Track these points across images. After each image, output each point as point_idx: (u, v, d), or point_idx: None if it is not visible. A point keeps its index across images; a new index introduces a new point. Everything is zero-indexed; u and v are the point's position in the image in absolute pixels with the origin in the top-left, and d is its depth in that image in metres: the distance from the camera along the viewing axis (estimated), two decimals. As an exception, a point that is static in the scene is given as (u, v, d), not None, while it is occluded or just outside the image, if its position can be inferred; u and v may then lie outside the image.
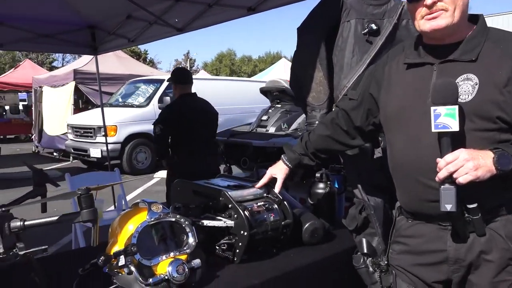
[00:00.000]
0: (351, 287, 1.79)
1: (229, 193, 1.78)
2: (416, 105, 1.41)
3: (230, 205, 1.74)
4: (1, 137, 16.05)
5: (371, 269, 1.61)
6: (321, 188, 2.14)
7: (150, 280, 1.40)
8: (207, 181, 2.00)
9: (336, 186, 2.29)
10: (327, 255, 1.86)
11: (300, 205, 2.06)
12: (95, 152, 8.47)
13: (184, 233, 1.57)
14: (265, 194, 1.93)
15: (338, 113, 1.73)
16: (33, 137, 13.17)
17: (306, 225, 1.92)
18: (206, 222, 1.74)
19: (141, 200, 1.58)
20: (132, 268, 1.38)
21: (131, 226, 1.47)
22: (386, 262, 1.63)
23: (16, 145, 15.09)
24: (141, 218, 1.49)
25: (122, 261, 1.39)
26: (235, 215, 1.73)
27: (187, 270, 1.46)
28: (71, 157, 10.69)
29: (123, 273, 1.41)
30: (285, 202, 1.88)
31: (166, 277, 1.42)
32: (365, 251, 1.62)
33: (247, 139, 4.74)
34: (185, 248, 1.53)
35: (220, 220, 1.76)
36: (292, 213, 1.86)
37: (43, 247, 1.26)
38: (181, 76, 3.91)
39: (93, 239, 1.35)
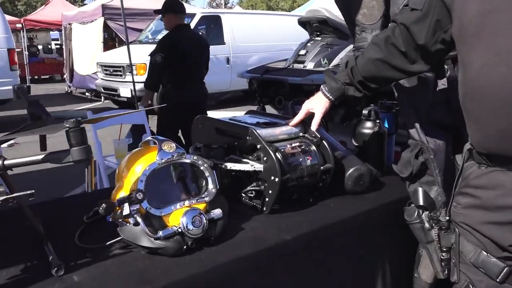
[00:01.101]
0: (402, 245, 1.54)
1: (257, 131, 1.52)
2: (505, 7, 1.06)
3: (259, 146, 1.49)
4: (36, 77, 16.34)
5: (427, 225, 1.34)
6: (368, 127, 1.84)
7: (160, 232, 1.19)
8: (233, 118, 1.75)
9: (386, 126, 1.98)
10: (373, 207, 1.60)
11: (343, 147, 1.79)
12: (125, 92, 8.38)
13: (203, 177, 1.34)
14: (301, 134, 1.66)
15: (395, 29, 1.39)
16: (65, 76, 13.28)
17: (350, 171, 1.66)
18: (230, 165, 1.51)
19: (151, 137, 1.35)
20: (139, 219, 1.18)
21: (139, 168, 1.26)
22: (447, 217, 1.35)
23: (50, 85, 15.34)
24: (150, 159, 1.27)
25: (126, 209, 1.18)
26: (265, 158, 1.48)
27: (205, 221, 1.24)
28: (102, 97, 10.72)
29: (130, 223, 1.21)
30: (324, 143, 1.61)
31: (180, 230, 1.21)
32: (421, 203, 1.34)
33: (282, 76, 4.40)
34: (203, 196, 1.31)
35: (247, 163, 1.52)
36: (333, 156, 1.59)
37: (29, 192, 1.07)
38: (176, 5, 3.98)
39: (87, 183, 1.14)
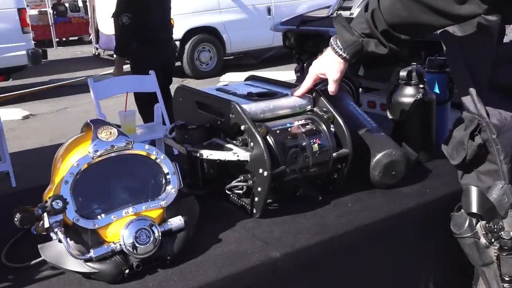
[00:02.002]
0: (454, 258, 1.26)
1: (242, 106, 1.27)
2: None
3: (243, 126, 1.24)
4: (64, 39, 16.70)
5: (483, 240, 1.05)
6: (408, 94, 1.53)
7: (91, 252, 0.99)
8: (221, 88, 1.50)
9: (436, 91, 1.65)
10: (411, 206, 1.31)
11: (371, 122, 1.49)
12: (151, 52, 8.27)
13: (160, 174, 1.12)
14: (308, 107, 1.38)
15: None
16: (91, 37, 13.44)
17: (377, 157, 1.37)
18: (206, 153, 1.27)
19: (90, 120, 1.13)
20: (60, 234, 0.98)
21: (70, 163, 1.05)
22: None
23: (78, 48, 15.64)
24: (85, 151, 1.06)
25: (46, 221, 0.99)
26: (251, 143, 1.23)
27: (156, 235, 1.03)
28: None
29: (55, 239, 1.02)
30: (339, 120, 1.32)
31: (119, 248, 1.01)
32: (474, 209, 1.04)
33: (323, 27, 4.04)
34: (157, 200, 1.09)
35: (230, 149, 1.28)
36: (350, 137, 1.31)
37: None
38: None
39: None
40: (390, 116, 1.58)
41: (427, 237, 1.30)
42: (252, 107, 1.30)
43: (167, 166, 1.12)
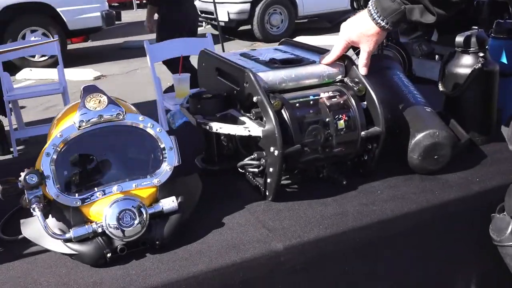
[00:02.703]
0: (490, 273, 1.05)
1: (258, 74, 1.12)
2: None
3: (255, 98, 1.09)
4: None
5: None
6: (465, 64, 1.29)
7: (71, 232, 0.91)
8: (246, 53, 1.35)
9: (503, 61, 1.40)
10: (456, 196, 1.11)
11: (417, 96, 1.28)
12: (221, 14, 8.16)
13: (157, 149, 1.01)
14: (339, 77, 1.20)
15: None
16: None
17: (417, 137, 1.17)
18: (216, 126, 1.14)
19: (83, 86, 1.04)
20: (37, 211, 0.90)
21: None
22: None
23: (142, 12, 15.87)
24: (72, 121, 0.97)
25: (27, 195, 0.92)
26: (264, 117, 1.08)
27: (144, 217, 0.93)
28: (203, 22, 10.72)
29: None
30: (372, 94, 1.14)
31: (102, 228, 0.92)
32: None
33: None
34: (150, 178, 0.99)
35: (243, 123, 1.14)
36: (383, 114, 1.12)
37: None
38: None
39: None
40: (441, 89, 1.36)
41: (469, 237, 1.10)
42: (270, 76, 1.14)
43: (164, 140, 1.01)
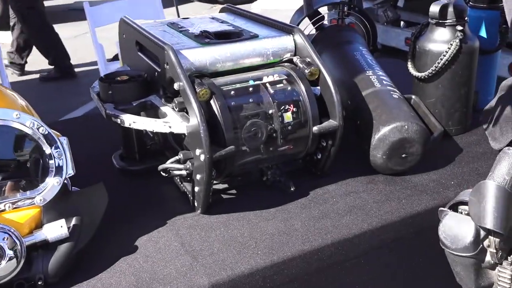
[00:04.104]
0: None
1: (182, 52, 0.87)
2: None
3: (176, 85, 0.84)
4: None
5: (488, 258, 0.68)
6: (439, 39, 1.07)
7: None
8: (175, 22, 1.09)
9: (483, 35, 1.19)
10: (418, 210, 0.91)
11: (383, 79, 1.06)
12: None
13: (42, 157, 0.76)
14: (287, 56, 0.96)
15: None
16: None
17: (382, 131, 0.96)
18: (129, 121, 0.89)
19: None
20: None
21: None
22: None
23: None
24: None
25: None
26: (188, 109, 0.84)
27: (20, 249, 0.69)
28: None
29: None
30: (327, 77, 0.90)
31: (-44, 269, 0.67)
32: (490, 224, 0.63)
33: None
34: (31, 193, 0.74)
35: (164, 115, 0.90)
36: (340, 103, 0.89)
37: None
38: None
39: None
40: (412, 71, 1.14)
41: (439, 249, 0.90)
42: (197, 54, 0.89)
43: (49, 145, 0.75)
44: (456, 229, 0.68)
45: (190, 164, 0.87)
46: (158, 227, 0.87)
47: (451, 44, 1.05)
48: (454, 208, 0.74)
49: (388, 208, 0.90)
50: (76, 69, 4.82)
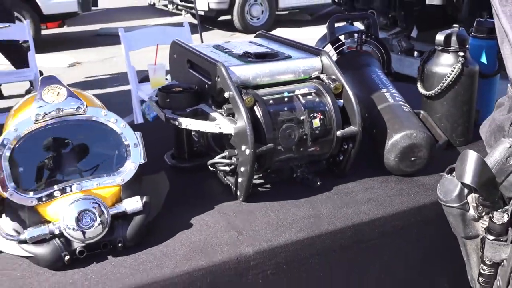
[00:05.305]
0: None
1: (231, 68, 1.07)
2: None
3: (227, 94, 1.04)
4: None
5: (472, 212, 0.87)
6: (445, 63, 1.27)
7: (25, 232, 0.85)
8: (219, 45, 1.30)
9: (483, 61, 1.38)
10: (425, 202, 1.08)
11: (396, 96, 1.25)
12: (200, 3, 8.06)
13: (121, 146, 0.96)
14: (315, 73, 1.16)
15: None
16: (147, -13, 13.33)
17: (394, 138, 1.14)
18: (186, 123, 1.09)
19: (41, 77, 0.97)
20: (-13, 210, 0.85)
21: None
22: (507, 218, 0.87)
23: (136, -3, 15.62)
24: (28, 113, 0.91)
25: (-23, 193, 0.86)
26: (236, 113, 1.04)
27: (105, 218, 0.88)
28: (183, 11, 10.58)
29: (-11, 213, 0.89)
30: (349, 92, 1.10)
31: (58, 230, 0.86)
32: (468, 180, 0.83)
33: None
34: (113, 175, 0.93)
35: (213, 119, 1.09)
36: (359, 112, 1.09)
37: None
38: None
39: None
40: (420, 89, 1.33)
41: (445, 239, 1.07)
42: (243, 70, 1.09)
43: (128, 137, 0.95)
44: (447, 186, 0.87)
45: (235, 159, 1.06)
46: (207, 210, 1.05)
47: (454, 67, 1.24)
48: (450, 173, 0.93)
49: (399, 200, 1.08)
50: (106, 89, 5.08)
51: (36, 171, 0.91)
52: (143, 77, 4.02)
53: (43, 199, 0.88)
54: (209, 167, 1.11)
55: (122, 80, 5.10)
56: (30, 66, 3.85)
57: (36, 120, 0.89)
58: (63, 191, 0.89)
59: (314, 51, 1.19)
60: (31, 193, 0.87)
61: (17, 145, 0.88)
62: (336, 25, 1.51)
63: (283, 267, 0.95)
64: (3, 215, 0.89)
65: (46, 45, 6.78)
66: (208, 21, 8.70)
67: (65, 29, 8.88)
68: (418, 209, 1.07)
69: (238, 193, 1.09)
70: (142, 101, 3.38)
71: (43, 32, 7.78)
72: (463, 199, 0.88)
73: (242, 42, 1.35)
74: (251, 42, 1.35)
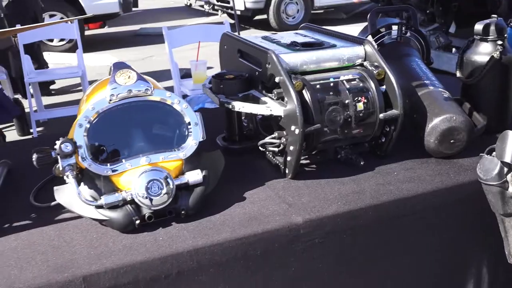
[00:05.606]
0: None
1: (280, 56, 1.16)
2: None
3: (277, 79, 1.13)
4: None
5: (511, 190, 0.94)
6: (483, 52, 1.32)
7: (102, 198, 0.97)
8: (267, 36, 1.39)
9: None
10: (463, 181, 1.15)
11: (435, 83, 1.31)
12: (237, 3, 8.18)
13: (183, 124, 1.06)
14: (359, 61, 1.24)
15: None
16: (185, -12, 13.56)
17: (434, 121, 1.21)
18: (239, 106, 1.19)
19: (112, 62, 1.09)
20: (71, 178, 0.96)
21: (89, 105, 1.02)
22: None
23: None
24: (103, 94, 1.02)
25: (60, 164, 0.97)
26: (286, 97, 1.12)
27: (172, 187, 0.98)
28: (219, 11, 10.75)
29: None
30: (391, 77, 1.17)
31: (131, 197, 0.97)
32: (508, 159, 0.90)
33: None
34: (177, 150, 1.04)
35: (264, 103, 1.18)
36: (401, 97, 1.16)
37: None
38: None
39: None
40: (459, 76, 1.38)
41: (482, 216, 1.13)
42: (291, 58, 1.18)
43: (189, 116, 1.06)
44: (487, 165, 0.93)
45: (284, 139, 1.15)
46: (258, 186, 1.15)
47: (492, 56, 1.30)
48: (489, 154, 1.00)
49: (438, 179, 1.14)
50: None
51: (110, 145, 1.02)
52: (182, 75, 4.17)
53: (117, 170, 0.99)
54: (259, 147, 1.21)
55: (162, 77, 5.25)
56: (78, 63, 4.04)
57: (110, 100, 1.00)
58: (133, 163, 1.00)
59: (358, 41, 1.27)
60: (108, 164, 0.99)
61: (94, 122, 0.99)
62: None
63: (330, 236, 1.03)
64: (82, 183, 1.00)
65: (88, 45, 7.04)
66: (244, 20, 8.81)
67: (105, 30, 9.18)
68: (458, 187, 1.13)
69: (287, 171, 1.18)
70: (184, 96, 3.50)
71: (86, 32, 8.06)
72: (503, 178, 0.94)
73: (288, 33, 1.44)
74: (296, 33, 1.44)
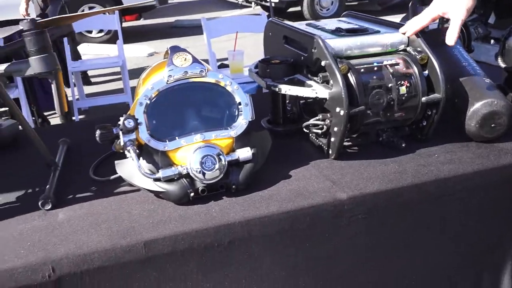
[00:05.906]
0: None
1: (326, 41, 1.20)
2: None
3: (323, 62, 1.18)
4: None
5: None
6: (526, 39, 1.34)
7: (160, 172, 1.04)
8: (311, 23, 1.44)
9: None
10: (503, 164, 1.17)
11: (477, 69, 1.34)
12: (271, -5, 8.21)
13: (233, 105, 1.12)
14: (402, 47, 1.27)
15: None
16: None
17: (475, 106, 1.23)
18: (285, 89, 1.24)
19: (169, 46, 1.16)
20: (132, 153, 1.04)
21: (148, 85, 1.10)
22: None
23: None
24: (161, 76, 1.09)
25: (121, 139, 1.05)
26: (331, 80, 1.17)
27: (223, 163, 1.05)
28: (253, 3, 10.80)
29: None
30: (434, 62, 1.20)
31: (186, 171, 1.04)
32: None
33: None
34: (227, 130, 1.10)
35: (309, 86, 1.24)
36: (444, 81, 1.19)
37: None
38: None
39: (57, 104, 1.02)
40: (501, 64, 1.40)
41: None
42: (336, 43, 1.23)
43: (240, 97, 1.12)
44: None
45: (328, 121, 1.20)
46: (302, 165, 1.20)
47: (536, 42, 1.31)
48: None
49: (479, 161, 1.17)
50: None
51: (167, 122, 1.09)
52: (218, 65, 4.25)
53: (173, 146, 1.06)
54: (303, 129, 1.26)
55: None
56: (119, 54, 4.17)
57: (168, 81, 1.07)
58: (188, 140, 1.07)
59: (401, 27, 1.30)
60: (166, 140, 1.06)
61: (153, 100, 1.07)
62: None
63: (373, 213, 1.08)
64: (141, 158, 1.08)
65: (125, 36, 7.22)
66: (278, 12, 8.85)
67: (141, 22, 9.36)
68: (499, 169, 1.16)
69: (330, 151, 1.22)
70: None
71: (122, 24, 8.25)
72: None
73: (331, 20, 1.48)
74: (340, 20, 1.48)
